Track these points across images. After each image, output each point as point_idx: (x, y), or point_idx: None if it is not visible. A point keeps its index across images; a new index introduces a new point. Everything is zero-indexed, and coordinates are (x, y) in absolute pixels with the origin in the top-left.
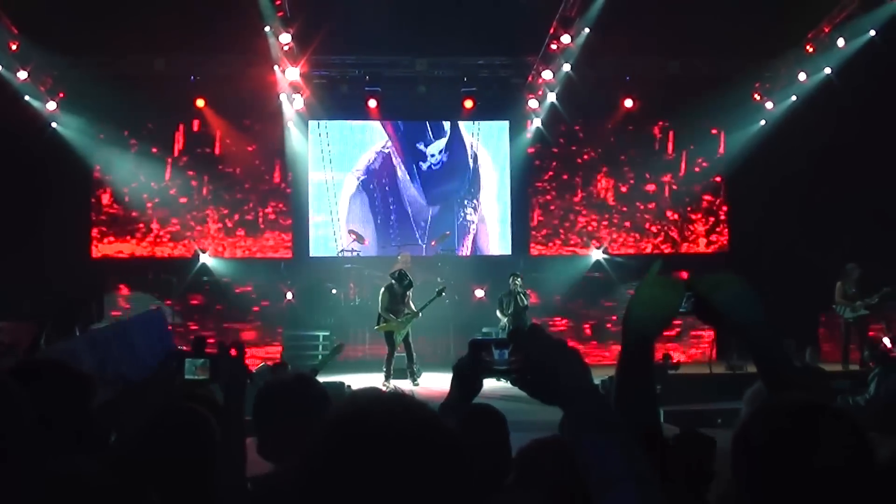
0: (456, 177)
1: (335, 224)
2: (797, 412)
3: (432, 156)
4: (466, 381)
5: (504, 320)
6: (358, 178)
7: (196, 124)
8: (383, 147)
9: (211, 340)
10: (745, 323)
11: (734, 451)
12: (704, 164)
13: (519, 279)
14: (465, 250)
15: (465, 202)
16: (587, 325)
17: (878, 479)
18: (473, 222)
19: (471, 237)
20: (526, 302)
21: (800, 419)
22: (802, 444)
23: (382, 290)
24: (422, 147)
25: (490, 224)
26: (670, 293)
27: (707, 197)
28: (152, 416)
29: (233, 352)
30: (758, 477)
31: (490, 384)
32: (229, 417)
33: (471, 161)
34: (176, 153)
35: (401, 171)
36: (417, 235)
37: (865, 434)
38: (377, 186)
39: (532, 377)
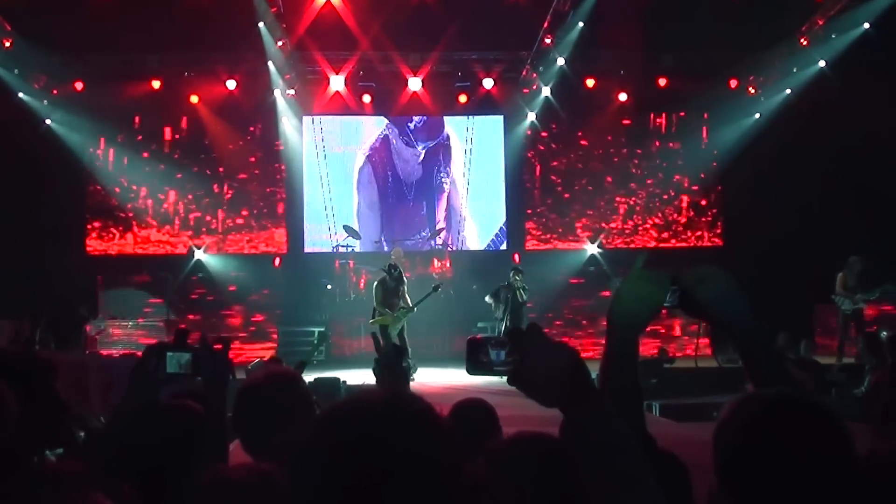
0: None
1: (330, 220)
2: (771, 407)
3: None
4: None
5: (488, 299)
6: (364, 154)
7: (190, 120)
8: (383, 129)
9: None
10: (728, 317)
11: (713, 446)
12: (698, 158)
13: (520, 275)
14: (460, 244)
15: (448, 181)
16: (582, 319)
17: (858, 474)
18: (464, 215)
19: (464, 231)
20: (525, 297)
21: (773, 414)
22: (775, 439)
23: (375, 284)
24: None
25: (485, 218)
26: (655, 287)
27: (701, 190)
28: (137, 411)
29: (216, 346)
30: (732, 472)
31: (487, 379)
32: (211, 412)
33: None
34: (169, 149)
35: (395, 141)
36: (405, 191)
37: (845, 429)
38: (378, 160)
39: (529, 377)
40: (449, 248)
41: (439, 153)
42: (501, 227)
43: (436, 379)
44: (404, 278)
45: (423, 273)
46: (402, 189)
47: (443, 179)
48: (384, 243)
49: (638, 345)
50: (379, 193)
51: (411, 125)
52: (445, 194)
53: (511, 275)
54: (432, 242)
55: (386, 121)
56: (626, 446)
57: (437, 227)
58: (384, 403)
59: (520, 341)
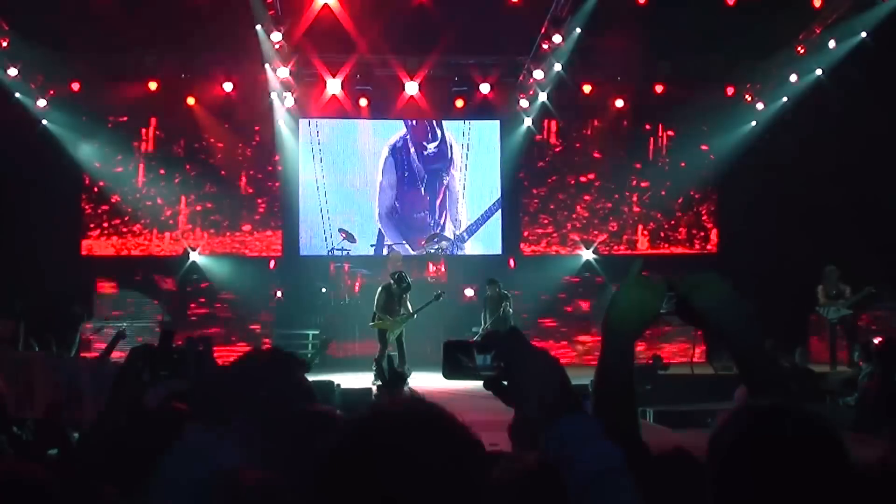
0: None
1: (326, 223)
2: (764, 418)
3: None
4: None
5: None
6: (389, 146)
7: (186, 122)
8: (405, 133)
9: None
10: (724, 324)
11: (706, 457)
12: (695, 165)
13: (498, 287)
14: (456, 249)
15: (448, 176)
16: (577, 325)
17: (851, 486)
18: (457, 197)
19: (462, 234)
20: (510, 310)
21: (766, 425)
22: (767, 451)
23: (380, 289)
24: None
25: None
26: (651, 294)
27: (697, 197)
28: (128, 413)
29: (198, 347)
30: (726, 484)
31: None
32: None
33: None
34: (166, 151)
35: (412, 144)
36: (418, 180)
37: (839, 439)
38: (399, 153)
39: (509, 384)
40: (444, 252)
41: (445, 155)
42: (497, 201)
43: (429, 384)
44: (410, 287)
45: (418, 277)
46: (415, 178)
47: (444, 175)
48: (382, 247)
49: (633, 352)
50: (397, 177)
51: (427, 145)
52: (445, 185)
53: (488, 288)
54: (429, 248)
55: (405, 128)
56: (611, 457)
57: (434, 233)
58: (415, 415)
59: (504, 346)
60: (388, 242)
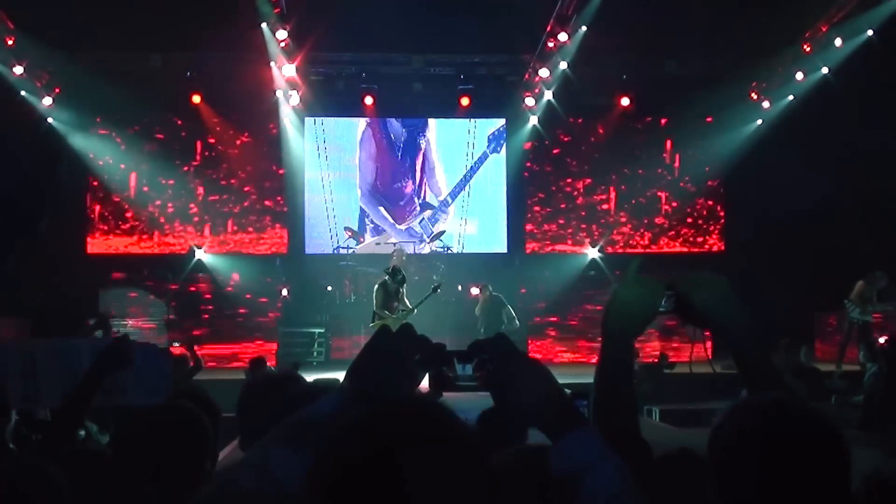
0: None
1: (331, 221)
2: (765, 412)
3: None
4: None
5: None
6: (366, 122)
7: (191, 120)
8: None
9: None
10: (724, 322)
11: (708, 451)
12: (701, 163)
13: (487, 291)
14: (461, 247)
15: (424, 141)
16: (582, 323)
17: (850, 479)
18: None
19: (465, 234)
20: (510, 319)
21: (768, 419)
22: (769, 444)
23: (376, 287)
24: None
25: (486, 222)
26: (649, 292)
27: (703, 196)
28: (144, 415)
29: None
30: (728, 478)
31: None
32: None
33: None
34: (171, 149)
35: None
36: (395, 149)
37: (839, 434)
38: (376, 126)
39: (496, 394)
40: (449, 251)
41: (417, 123)
42: (480, 157)
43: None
44: (405, 279)
45: (424, 276)
46: (393, 145)
47: (419, 138)
48: (364, 228)
49: (633, 350)
50: (376, 146)
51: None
52: (422, 150)
53: (484, 293)
54: (435, 246)
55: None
56: (623, 477)
57: (437, 231)
58: (409, 415)
59: (485, 353)
60: (372, 221)
